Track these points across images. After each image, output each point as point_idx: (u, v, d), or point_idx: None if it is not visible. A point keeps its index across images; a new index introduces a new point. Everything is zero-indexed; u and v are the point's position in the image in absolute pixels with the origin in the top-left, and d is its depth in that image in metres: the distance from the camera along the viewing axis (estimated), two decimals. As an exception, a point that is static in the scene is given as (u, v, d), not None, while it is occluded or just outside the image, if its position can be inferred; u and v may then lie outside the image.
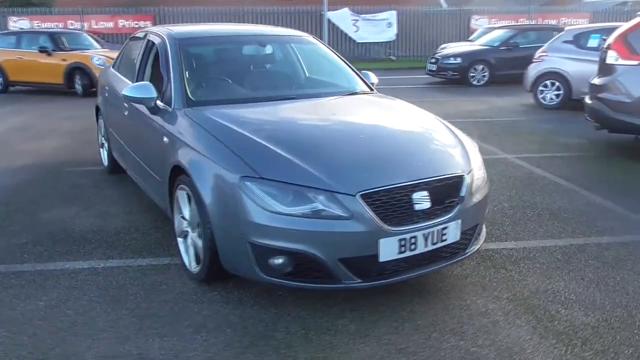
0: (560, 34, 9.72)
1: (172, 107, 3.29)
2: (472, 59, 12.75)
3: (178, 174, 3.03)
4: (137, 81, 4.03)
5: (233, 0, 19.91)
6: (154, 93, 3.34)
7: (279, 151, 2.66)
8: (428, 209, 2.58)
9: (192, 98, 3.32)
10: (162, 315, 2.68)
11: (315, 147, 2.75)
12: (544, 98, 9.46)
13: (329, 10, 17.61)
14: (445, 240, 2.67)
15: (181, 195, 3.01)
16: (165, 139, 3.19)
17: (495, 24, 19.29)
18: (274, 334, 2.52)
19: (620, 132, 6.21)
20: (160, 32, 3.91)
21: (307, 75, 4.00)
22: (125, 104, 4.00)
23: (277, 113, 3.26)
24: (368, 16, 19.54)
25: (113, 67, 5.07)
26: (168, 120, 3.24)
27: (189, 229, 3.02)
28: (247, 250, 2.54)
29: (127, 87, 3.44)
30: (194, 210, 2.84)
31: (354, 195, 2.46)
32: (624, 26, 6.12)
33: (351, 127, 3.14)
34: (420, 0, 21.88)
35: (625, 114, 5.75)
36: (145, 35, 4.19)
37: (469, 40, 15.89)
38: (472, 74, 12.62)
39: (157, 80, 3.65)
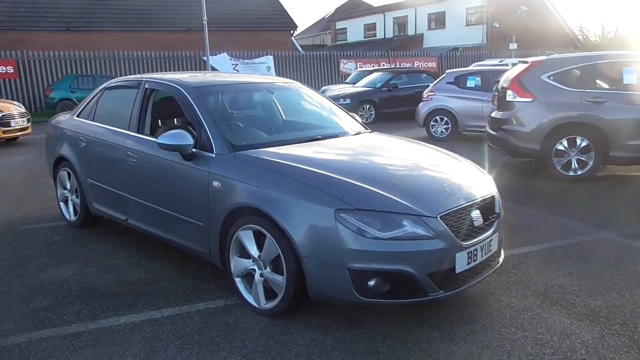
0: (443, 76, 11.21)
1: (214, 152, 3.41)
2: (359, 99, 13.95)
3: (238, 215, 3.17)
4: (138, 130, 4.03)
5: (110, 45, 19.23)
6: (191, 140, 3.43)
7: (357, 183, 2.99)
8: (481, 225, 3.10)
9: (234, 142, 3.48)
10: (263, 350, 2.79)
11: (385, 179, 3.13)
12: (435, 131, 10.79)
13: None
14: (491, 250, 3.20)
15: (245, 235, 3.15)
16: (216, 183, 3.30)
17: (361, 67, 21.14)
18: (378, 349, 2.79)
19: (522, 157, 7.45)
20: (168, 81, 3.99)
21: (316, 117, 4.36)
22: (130, 152, 3.96)
23: (321, 151, 3.56)
24: (247, 60, 20.16)
25: (78, 116, 4.88)
26: (216, 166, 3.35)
27: (254, 267, 3.16)
28: (344, 276, 2.80)
29: (162, 136, 3.47)
30: (270, 247, 3.01)
31: (436, 217, 2.88)
32: (516, 70, 7.45)
33: (394, 161, 3.57)
34: (286, 46, 23.18)
35: (525, 142, 6.97)
36: (140, 84, 4.19)
37: (347, 83, 17.25)
38: (361, 113, 13.76)
39: (168, 128, 3.74)
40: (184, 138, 3.43)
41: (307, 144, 3.66)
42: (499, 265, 3.38)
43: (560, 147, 6.80)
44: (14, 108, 11.00)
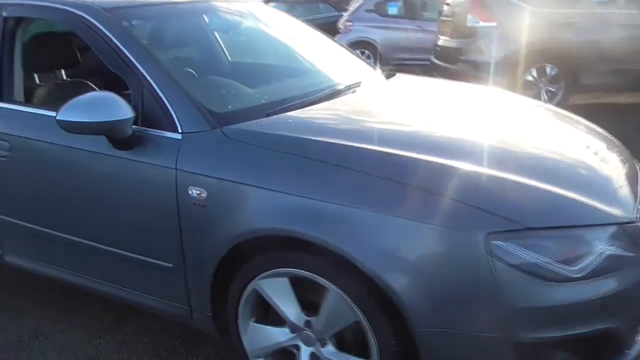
0: (360, 3, 9.80)
1: (180, 129, 1.79)
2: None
3: (253, 251, 1.66)
4: (2, 97, 2.20)
5: None
6: (129, 110, 1.77)
7: (498, 174, 1.60)
8: None
9: (214, 109, 1.86)
10: None
11: (521, 159, 1.77)
12: (356, 68, 9.50)
13: None
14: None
15: (273, 285, 1.66)
16: (194, 191, 1.70)
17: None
18: None
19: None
20: (53, 2, 2.15)
21: (312, 57, 2.75)
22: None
23: (366, 112, 2.08)
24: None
25: None
26: (189, 156, 1.74)
27: (297, 343, 1.71)
28: (506, 357, 1.46)
29: (68, 107, 1.75)
30: (338, 309, 1.57)
31: (634, 221, 1.61)
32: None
33: (508, 126, 2.17)
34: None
35: (491, 74, 5.96)
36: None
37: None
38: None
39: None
40: (115, 107, 1.75)
41: (326, 102, 2.13)
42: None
43: (530, 78, 5.92)
44: None
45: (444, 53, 6.54)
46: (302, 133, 1.78)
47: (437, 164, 1.60)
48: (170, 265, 1.85)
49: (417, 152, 1.65)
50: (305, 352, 1.72)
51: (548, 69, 5.91)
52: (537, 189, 1.55)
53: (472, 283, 1.43)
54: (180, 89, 1.86)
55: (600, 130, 2.29)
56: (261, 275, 1.68)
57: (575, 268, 1.47)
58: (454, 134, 1.94)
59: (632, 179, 1.84)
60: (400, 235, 1.48)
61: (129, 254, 1.92)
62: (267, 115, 1.89)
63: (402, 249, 1.48)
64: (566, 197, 1.55)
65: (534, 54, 5.81)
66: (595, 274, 1.48)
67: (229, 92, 2.18)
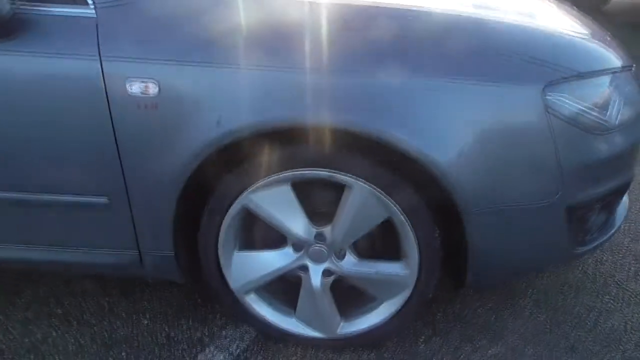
0: None
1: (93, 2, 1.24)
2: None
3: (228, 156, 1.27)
4: None
5: None
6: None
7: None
8: None
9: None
10: None
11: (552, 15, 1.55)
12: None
13: None
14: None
15: (278, 195, 1.32)
16: (136, 87, 1.22)
17: None
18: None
19: None
20: None
21: None
22: None
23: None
24: None
25: None
26: (114, 34, 1.23)
27: (305, 262, 1.39)
28: (557, 222, 1.32)
29: None
30: (366, 206, 1.29)
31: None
32: None
33: None
34: None
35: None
36: None
37: None
38: None
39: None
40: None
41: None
42: None
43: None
44: None
45: None
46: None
47: (481, 19, 1.30)
48: (105, 200, 1.34)
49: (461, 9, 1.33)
50: (315, 271, 1.40)
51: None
52: (572, 36, 1.36)
53: (529, 146, 1.22)
54: None
55: None
56: (255, 186, 1.27)
57: (612, 117, 1.33)
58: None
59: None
60: (448, 101, 1.19)
61: (46, 197, 1.34)
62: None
63: (451, 119, 1.19)
64: (595, 43, 1.39)
65: None
66: (624, 122, 1.37)
67: None
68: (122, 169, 1.33)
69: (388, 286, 1.42)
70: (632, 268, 1.84)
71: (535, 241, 1.37)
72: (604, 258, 1.90)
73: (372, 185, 1.27)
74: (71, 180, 1.37)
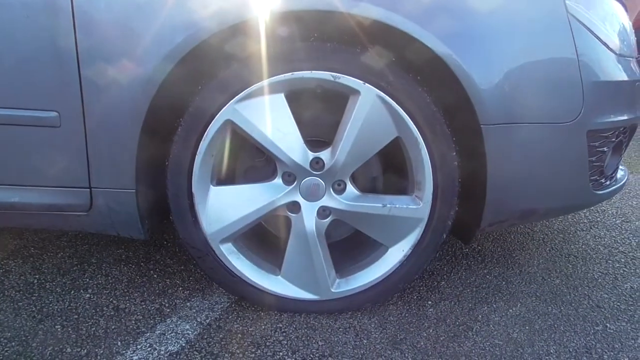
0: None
1: None
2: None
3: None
4: None
5: None
6: None
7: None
8: None
9: None
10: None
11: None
12: None
13: None
14: None
15: (268, 107, 1.09)
16: None
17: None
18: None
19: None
20: None
21: None
22: None
23: None
24: None
25: None
26: None
27: (295, 199, 1.17)
28: (579, 150, 1.18)
29: None
30: (375, 120, 1.11)
31: None
32: None
33: None
34: None
35: None
36: None
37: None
38: None
39: None
40: None
41: None
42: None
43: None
44: None
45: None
46: None
47: None
48: (53, 114, 1.07)
49: None
50: (309, 210, 1.16)
51: None
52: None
53: (550, 61, 1.10)
54: None
55: None
56: (242, 94, 1.05)
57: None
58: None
59: None
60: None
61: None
62: None
63: (477, 22, 1.05)
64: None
65: None
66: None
67: None
68: (80, 80, 1.07)
69: (396, 225, 1.18)
70: (633, 241, 1.72)
71: (557, 170, 1.21)
72: (602, 234, 1.78)
73: (382, 91, 1.09)
74: (14, 90, 1.09)
